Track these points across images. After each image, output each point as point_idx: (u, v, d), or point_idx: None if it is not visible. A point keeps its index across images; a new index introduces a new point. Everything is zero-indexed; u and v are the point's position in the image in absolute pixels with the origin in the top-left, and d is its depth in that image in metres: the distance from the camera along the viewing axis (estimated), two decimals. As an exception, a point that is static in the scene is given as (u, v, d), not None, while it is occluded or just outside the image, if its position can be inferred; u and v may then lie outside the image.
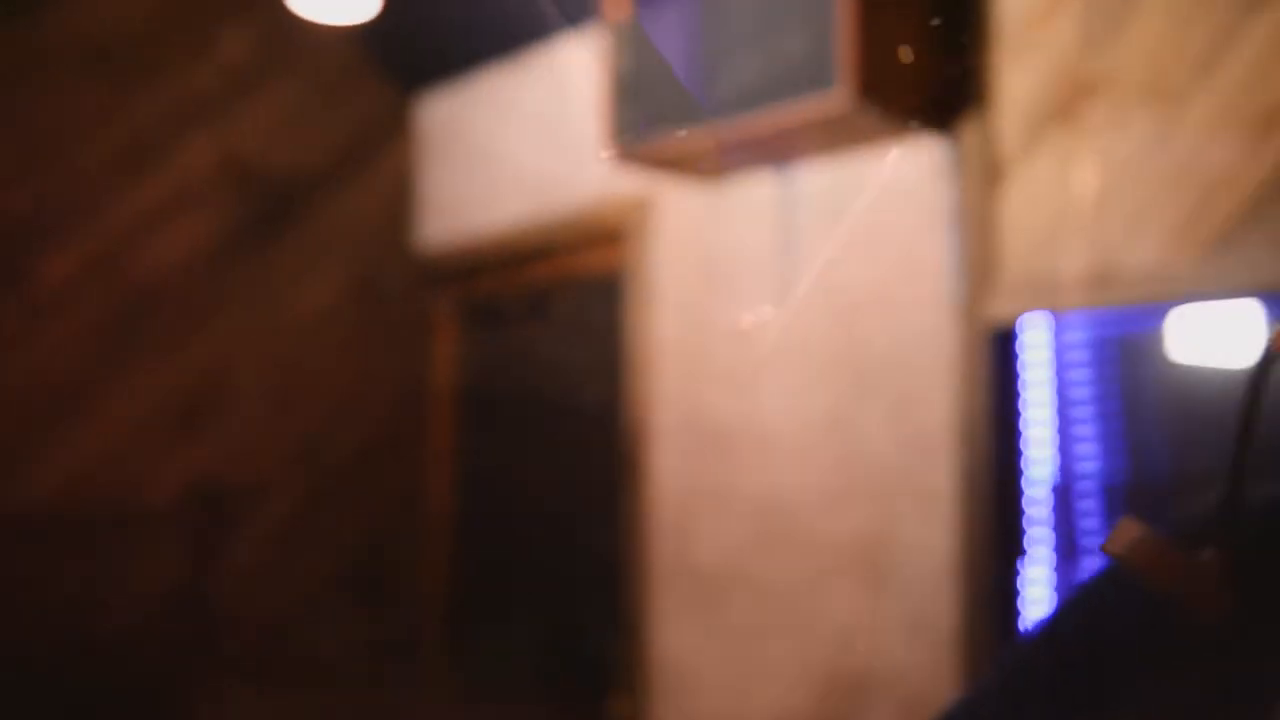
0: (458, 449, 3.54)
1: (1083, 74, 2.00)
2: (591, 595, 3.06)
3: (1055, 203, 2.03)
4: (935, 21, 2.14)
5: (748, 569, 2.57)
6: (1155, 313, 2.03)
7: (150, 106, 3.10)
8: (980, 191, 2.13)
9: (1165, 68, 1.90)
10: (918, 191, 2.28)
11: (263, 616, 3.24)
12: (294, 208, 3.34)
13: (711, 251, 2.70)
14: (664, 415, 2.79)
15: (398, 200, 3.55)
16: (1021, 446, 2.13)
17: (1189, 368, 2.07)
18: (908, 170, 2.30)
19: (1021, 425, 2.14)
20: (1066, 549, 2.13)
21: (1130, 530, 0.50)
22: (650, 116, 2.38)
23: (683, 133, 2.31)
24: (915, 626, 2.23)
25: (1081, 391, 2.16)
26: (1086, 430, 2.15)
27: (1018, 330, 2.14)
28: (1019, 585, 2.12)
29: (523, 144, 3.22)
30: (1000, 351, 2.13)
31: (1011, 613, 2.11)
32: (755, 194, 2.58)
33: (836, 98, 2.06)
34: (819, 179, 2.46)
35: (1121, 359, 2.17)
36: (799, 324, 2.50)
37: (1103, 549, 0.52)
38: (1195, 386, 2.07)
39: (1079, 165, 2.00)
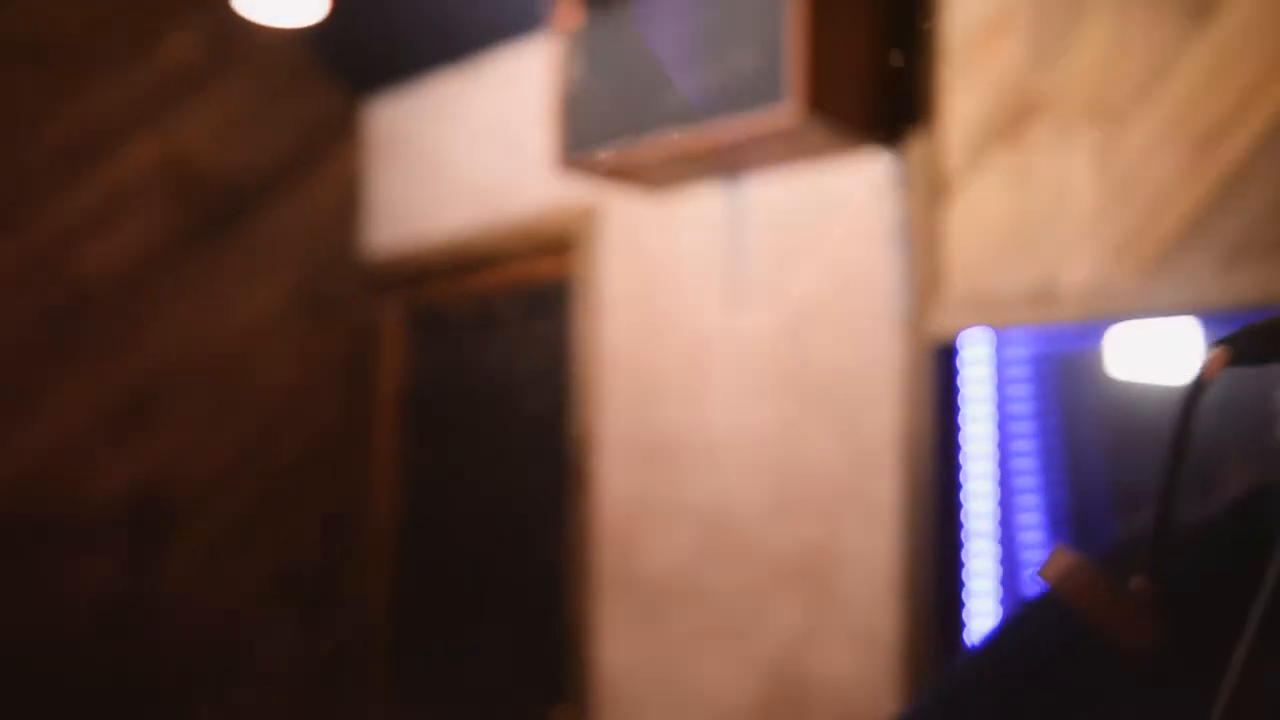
0: (403, 457, 3.51)
1: (1027, 93, 2.02)
2: (536, 605, 3.04)
3: (999, 219, 2.05)
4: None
5: (693, 580, 2.57)
6: (1096, 329, 2.05)
7: (91, 105, 3.04)
8: (926, 207, 2.15)
9: (1108, 88, 1.92)
10: (865, 206, 2.30)
11: (203, 625, 3.19)
12: (239, 210, 3.29)
13: (660, 262, 2.70)
14: (611, 425, 2.78)
15: (345, 205, 3.51)
16: (964, 461, 2.15)
17: (1129, 384, 2.10)
18: (855, 185, 2.32)
19: (964, 440, 2.16)
20: (1008, 563, 2.15)
21: (1063, 559, 0.50)
22: (600, 126, 2.37)
23: (631, 145, 2.31)
24: (858, 638, 2.24)
25: (1023, 407, 2.18)
26: (1028, 445, 2.18)
27: (961, 346, 2.15)
28: (961, 598, 2.13)
29: (472, 151, 3.20)
30: (944, 366, 2.14)
31: (953, 625, 2.12)
32: (704, 205, 2.59)
33: (785, 112, 2.07)
34: (767, 191, 2.47)
35: (1063, 375, 2.19)
36: (746, 335, 2.50)
37: (1037, 575, 0.52)
38: (1134, 403, 2.10)
39: (1023, 182, 2.03)
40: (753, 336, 2.49)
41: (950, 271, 2.11)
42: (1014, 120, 2.04)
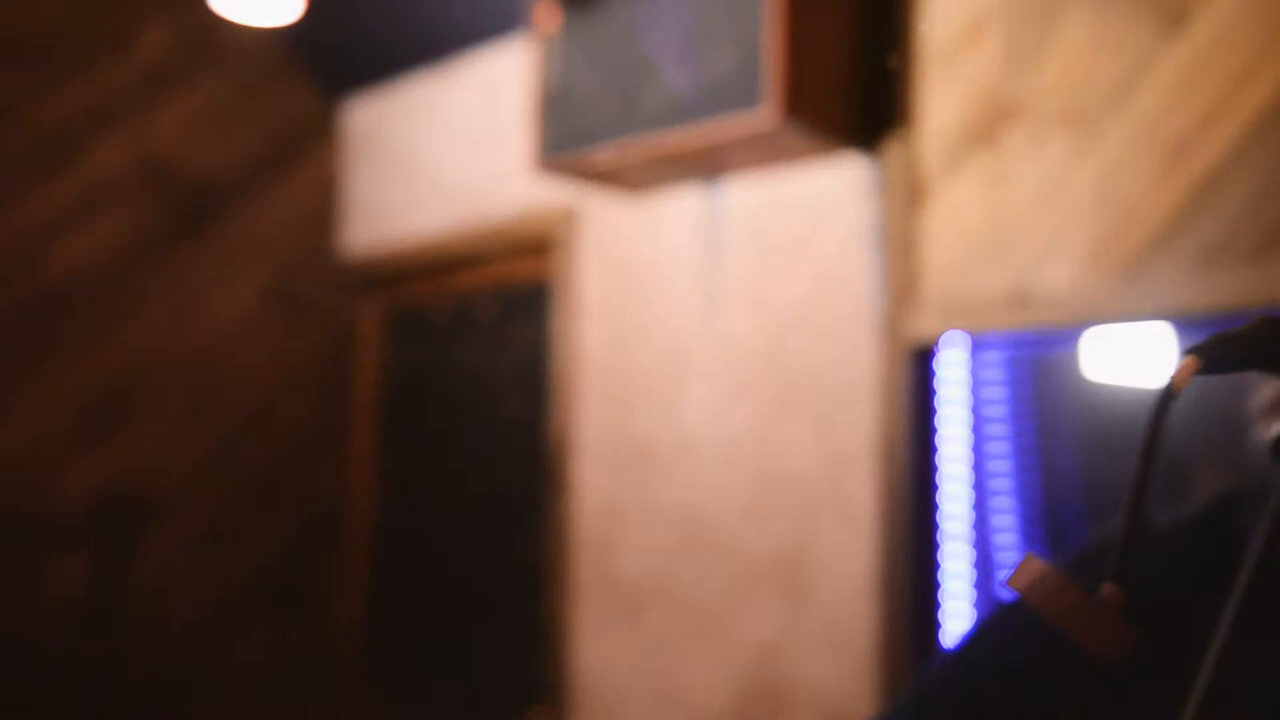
0: (380, 458, 3.50)
1: (1003, 98, 2.03)
2: (514, 606, 3.04)
3: (975, 224, 2.06)
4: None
5: (670, 582, 2.57)
6: (1071, 334, 2.06)
7: (65, 102, 3.02)
8: (903, 211, 2.16)
9: (1082, 94, 1.93)
10: (842, 210, 2.30)
11: (177, 626, 3.16)
12: (214, 209, 3.27)
13: (638, 264, 2.70)
14: (588, 426, 2.78)
15: (321, 205, 3.49)
16: (940, 463, 2.16)
17: (1104, 388, 2.12)
18: (833, 188, 2.32)
19: (940, 442, 2.16)
20: (984, 566, 2.16)
21: (1032, 567, 0.51)
22: (578, 128, 2.37)
23: (610, 147, 2.31)
24: (834, 640, 2.25)
25: (999, 410, 2.19)
26: (1004, 448, 2.19)
27: (938, 349, 2.16)
28: (937, 601, 2.14)
29: (450, 152, 3.20)
30: (920, 369, 2.15)
31: (929, 628, 2.13)
32: (682, 208, 2.59)
33: (763, 115, 2.07)
34: (746, 194, 2.48)
35: (1039, 378, 2.20)
36: (724, 338, 2.51)
37: (1006, 584, 0.53)
38: (1110, 406, 2.11)
39: (999, 187, 2.04)
40: (730, 338, 2.49)
41: (927, 275, 2.12)
42: (990, 125, 2.05)
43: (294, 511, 3.41)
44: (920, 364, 2.15)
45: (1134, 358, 2.06)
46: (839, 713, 2.24)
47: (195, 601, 3.20)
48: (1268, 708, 0.68)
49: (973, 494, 2.17)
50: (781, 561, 2.36)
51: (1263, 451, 0.60)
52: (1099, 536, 0.86)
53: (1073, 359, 2.14)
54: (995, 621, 0.86)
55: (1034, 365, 2.20)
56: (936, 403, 2.16)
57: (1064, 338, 2.09)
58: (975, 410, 2.18)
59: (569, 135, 2.38)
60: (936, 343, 2.14)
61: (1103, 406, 2.13)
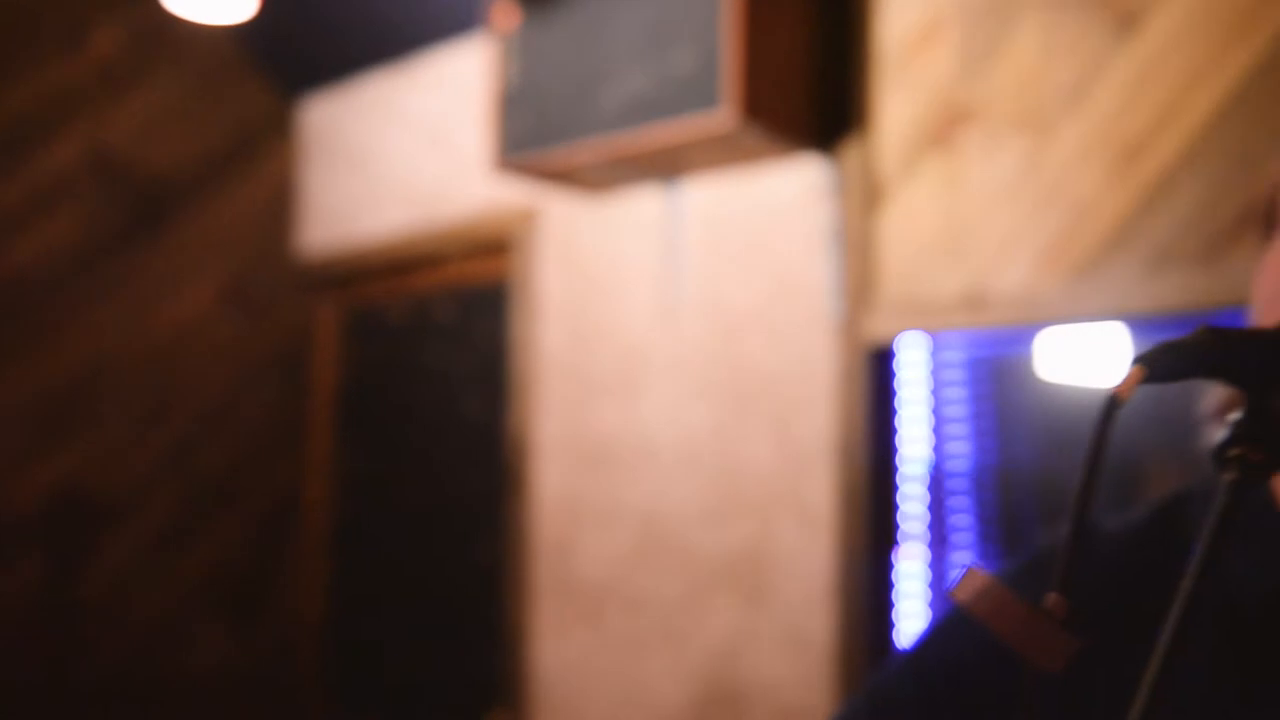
0: (338, 459, 3.47)
1: (958, 101, 2.05)
2: (473, 608, 3.02)
3: (931, 225, 2.08)
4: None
5: (629, 582, 2.57)
6: (1026, 334, 2.08)
7: (16, 99, 2.97)
8: (860, 212, 2.17)
9: (1036, 97, 1.95)
10: (800, 211, 2.31)
11: (130, 633, 3.13)
12: (169, 208, 3.23)
13: (597, 264, 2.69)
14: (547, 427, 2.77)
15: (278, 204, 3.46)
16: (897, 464, 2.17)
17: (1059, 388, 2.14)
18: (791, 190, 2.33)
19: (898, 443, 2.18)
20: (940, 566, 2.17)
21: (975, 579, 0.51)
22: (537, 128, 2.36)
23: (568, 146, 2.30)
24: (792, 640, 2.26)
25: (956, 410, 2.21)
26: (960, 448, 2.20)
27: (895, 349, 2.17)
28: (893, 600, 2.15)
29: (408, 151, 3.18)
30: (878, 370, 2.16)
31: (885, 627, 2.14)
32: (641, 208, 2.59)
33: (721, 117, 2.07)
34: (704, 195, 2.48)
35: (995, 379, 2.22)
36: (683, 338, 2.51)
37: (950, 597, 0.53)
38: (1065, 406, 2.13)
39: (954, 189, 2.05)
40: (689, 339, 2.49)
41: (884, 276, 2.13)
42: (946, 127, 2.06)
43: (251, 513, 3.37)
44: (878, 365, 2.16)
45: (1088, 358, 2.08)
46: (796, 712, 2.25)
47: (152, 603, 3.16)
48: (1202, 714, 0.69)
49: (930, 494, 2.18)
50: (740, 562, 2.36)
51: (1208, 456, 0.60)
52: (1048, 543, 0.86)
53: (1029, 359, 2.16)
54: (949, 624, 0.87)
55: (991, 365, 2.22)
56: (894, 403, 2.18)
57: (1019, 338, 2.11)
58: (933, 411, 2.19)
59: (528, 135, 2.37)
60: (893, 343, 2.16)
61: (1059, 406, 2.15)
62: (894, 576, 2.15)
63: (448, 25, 2.99)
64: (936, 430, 2.20)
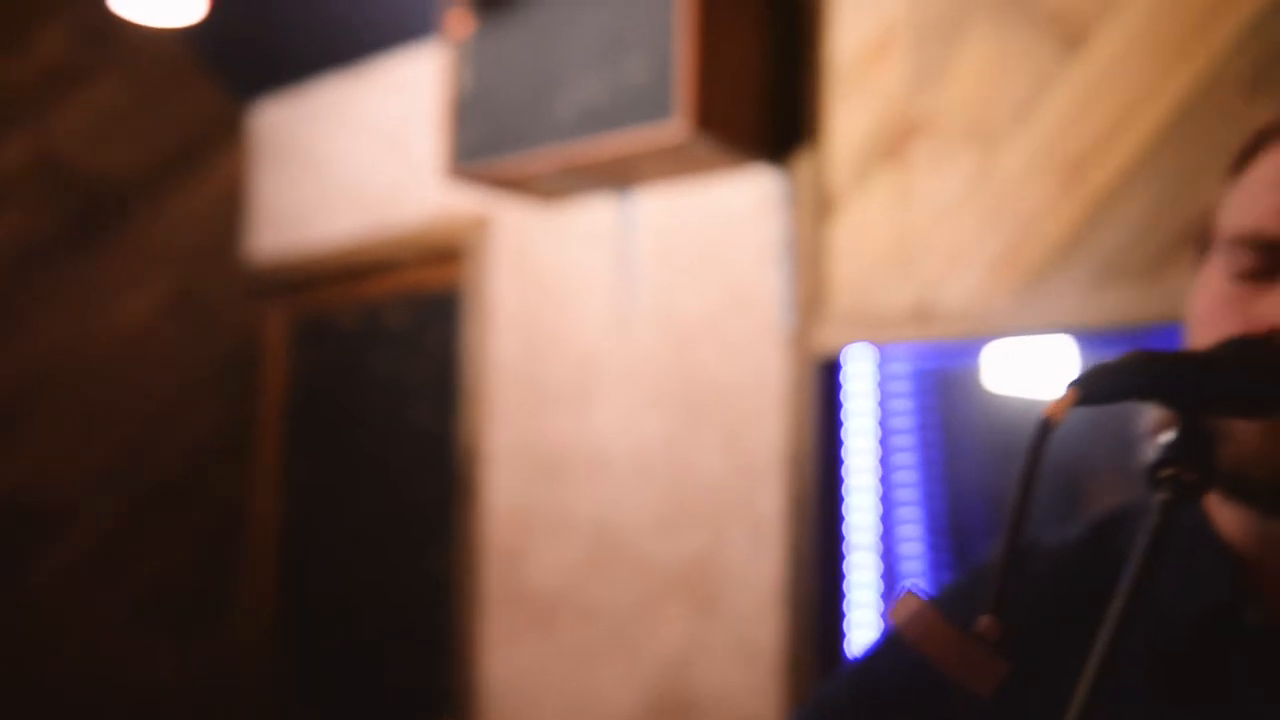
0: (287, 468, 3.43)
1: (909, 114, 2.07)
2: (423, 618, 3.00)
3: (881, 238, 2.09)
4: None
5: (580, 592, 2.56)
6: (974, 346, 2.10)
7: (-44, 101, 2.92)
8: (811, 224, 2.18)
9: (985, 112, 1.97)
10: (752, 222, 2.32)
11: (74, 644, 3.07)
12: (115, 212, 3.18)
13: (549, 273, 2.69)
14: (499, 435, 2.76)
15: (227, 209, 3.42)
16: (846, 474, 2.18)
17: (1005, 400, 2.16)
18: (743, 201, 2.34)
19: (847, 454, 2.19)
20: (889, 575, 2.19)
21: (909, 603, 0.51)
22: (490, 136, 2.35)
23: (521, 154, 2.29)
24: (742, 650, 2.26)
25: (905, 421, 2.22)
26: (909, 459, 2.22)
27: (845, 361, 2.19)
28: (842, 610, 2.16)
29: (360, 157, 3.15)
30: (827, 382, 2.17)
31: (834, 637, 2.15)
32: (594, 217, 2.58)
33: (674, 128, 2.08)
34: (657, 205, 2.48)
35: (943, 391, 2.24)
36: (635, 348, 2.51)
37: (887, 618, 0.53)
38: (1011, 418, 2.15)
39: (904, 202, 2.07)
40: (641, 349, 2.49)
41: (834, 288, 2.14)
42: (897, 141, 2.08)
43: (198, 522, 3.33)
44: (827, 376, 2.17)
45: (1034, 370, 2.11)
46: (748, 721, 2.25)
47: (96, 615, 3.11)
48: None
49: (879, 504, 2.19)
50: (690, 572, 2.36)
51: (1143, 473, 0.61)
52: (988, 559, 0.87)
53: (976, 371, 2.18)
54: (892, 642, 0.87)
55: (939, 377, 2.24)
56: (843, 414, 2.19)
57: (967, 350, 2.13)
58: (881, 422, 2.21)
59: (481, 142, 2.36)
60: (843, 355, 2.17)
61: (1006, 418, 2.17)
62: (844, 586, 2.16)
63: (403, 30, 2.97)
64: (885, 441, 2.21)
